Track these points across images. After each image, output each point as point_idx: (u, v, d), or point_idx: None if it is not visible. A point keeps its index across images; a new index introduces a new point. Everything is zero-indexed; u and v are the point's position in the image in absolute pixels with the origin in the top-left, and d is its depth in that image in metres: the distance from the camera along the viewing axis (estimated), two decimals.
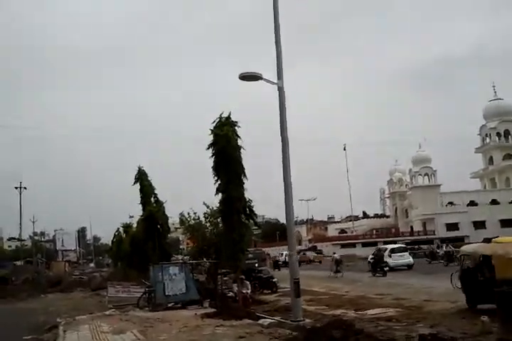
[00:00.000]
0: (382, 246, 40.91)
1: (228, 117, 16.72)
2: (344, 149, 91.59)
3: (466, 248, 14.68)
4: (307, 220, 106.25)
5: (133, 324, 13.99)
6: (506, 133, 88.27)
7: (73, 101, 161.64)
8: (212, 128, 16.75)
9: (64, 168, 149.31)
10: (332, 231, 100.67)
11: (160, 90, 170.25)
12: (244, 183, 16.89)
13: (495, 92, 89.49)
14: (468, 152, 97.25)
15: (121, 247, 35.54)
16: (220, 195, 16.96)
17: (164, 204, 25.75)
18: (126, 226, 36.01)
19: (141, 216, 25.98)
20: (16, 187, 59.65)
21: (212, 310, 16.40)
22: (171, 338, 11.33)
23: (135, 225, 31.84)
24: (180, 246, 68.62)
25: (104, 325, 13.95)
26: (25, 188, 60.38)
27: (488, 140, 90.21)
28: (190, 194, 57.23)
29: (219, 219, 19.47)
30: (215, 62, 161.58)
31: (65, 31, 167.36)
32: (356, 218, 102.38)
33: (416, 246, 64.66)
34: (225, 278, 20.52)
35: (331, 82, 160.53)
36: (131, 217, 35.74)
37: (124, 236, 36.69)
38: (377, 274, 31.02)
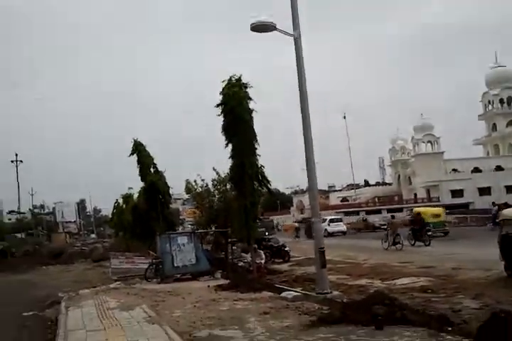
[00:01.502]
0: (320, 218, 51.92)
1: (239, 79, 15.15)
2: (344, 118, 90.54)
3: (508, 211, 13.34)
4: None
5: (141, 298, 12.80)
6: (509, 99, 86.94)
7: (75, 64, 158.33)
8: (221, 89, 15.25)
9: (62, 139, 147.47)
10: (334, 199, 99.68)
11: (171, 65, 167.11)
12: (256, 149, 15.54)
13: (496, 59, 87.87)
14: (471, 119, 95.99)
15: (122, 217, 34.49)
16: (231, 160, 15.68)
17: (165, 174, 24.45)
18: (127, 197, 34.81)
19: (143, 186, 24.62)
20: (12, 161, 58.44)
21: (226, 281, 15.25)
22: (186, 315, 10.12)
23: (136, 195, 30.61)
24: (180, 217, 67.67)
25: (110, 300, 12.75)
26: (21, 161, 59.15)
27: (490, 107, 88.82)
28: (195, 165, 55.91)
29: (228, 186, 18.29)
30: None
31: None
32: (357, 186, 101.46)
33: None
34: (233, 248, 19.31)
35: (334, 48, 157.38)
36: (130, 188, 34.48)
37: (124, 206, 35.61)
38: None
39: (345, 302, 9.58)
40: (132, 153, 23.46)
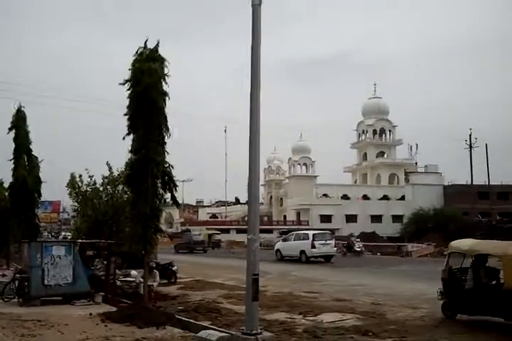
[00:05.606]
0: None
1: (155, 49, 11.96)
2: (225, 131, 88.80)
3: (457, 244, 11.68)
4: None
5: (1, 330, 9.39)
6: (382, 131, 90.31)
7: None
8: (133, 62, 12.09)
9: None
10: (203, 215, 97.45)
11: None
12: (165, 142, 12.59)
13: (375, 91, 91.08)
14: (344, 147, 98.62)
15: None
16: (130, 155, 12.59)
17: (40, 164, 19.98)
18: None
19: (12, 180, 19.90)
20: None
21: (110, 308, 12.19)
22: None
23: None
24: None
25: None
26: None
27: (364, 136, 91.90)
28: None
29: (119, 188, 15.21)
30: None
31: None
32: (228, 204, 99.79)
33: None
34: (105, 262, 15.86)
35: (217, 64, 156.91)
36: None
37: None
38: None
39: None
40: (11, 129, 18.46)
